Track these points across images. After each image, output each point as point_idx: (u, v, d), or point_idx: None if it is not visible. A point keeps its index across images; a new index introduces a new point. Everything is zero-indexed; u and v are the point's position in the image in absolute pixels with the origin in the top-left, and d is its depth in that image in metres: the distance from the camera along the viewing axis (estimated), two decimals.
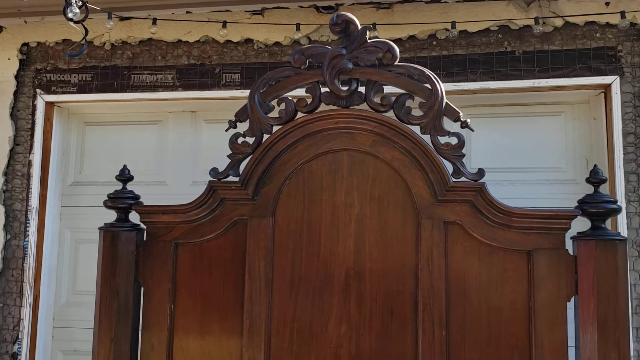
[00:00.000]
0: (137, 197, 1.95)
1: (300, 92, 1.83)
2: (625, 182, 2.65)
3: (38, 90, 3.08)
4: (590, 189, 1.70)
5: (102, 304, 1.87)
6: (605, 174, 2.66)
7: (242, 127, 1.83)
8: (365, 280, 1.76)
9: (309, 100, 1.83)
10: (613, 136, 2.69)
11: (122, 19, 2.93)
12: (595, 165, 1.75)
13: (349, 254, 1.78)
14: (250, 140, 1.84)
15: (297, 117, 1.83)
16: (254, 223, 1.81)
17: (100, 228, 1.93)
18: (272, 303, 1.79)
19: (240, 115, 1.86)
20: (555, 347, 1.62)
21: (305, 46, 1.83)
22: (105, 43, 3.03)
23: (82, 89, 3.07)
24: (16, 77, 3.09)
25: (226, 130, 1.88)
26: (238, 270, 1.83)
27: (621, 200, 2.63)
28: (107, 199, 1.96)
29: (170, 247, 1.86)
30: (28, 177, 3.06)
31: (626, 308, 1.61)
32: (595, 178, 1.69)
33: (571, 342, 1.64)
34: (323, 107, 1.80)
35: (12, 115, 3.09)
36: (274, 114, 1.84)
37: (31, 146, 3.08)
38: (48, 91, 3.09)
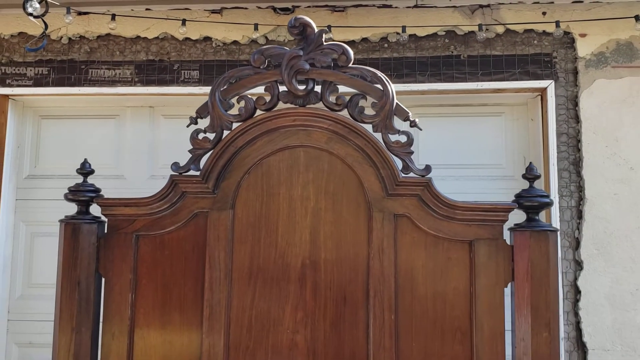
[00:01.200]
0: (98, 190, 1.95)
1: (260, 90, 1.87)
2: (559, 178, 2.80)
3: None
4: (526, 185, 1.81)
5: (63, 295, 1.86)
6: (540, 170, 2.81)
7: (203, 123, 1.87)
8: (320, 269, 1.82)
9: (268, 99, 1.87)
10: (548, 136, 2.84)
11: (79, 13, 2.89)
12: (530, 163, 1.86)
13: (305, 244, 1.83)
14: (211, 136, 1.87)
15: (256, 114, 1.87)
16: (214, 215, 1.85)
17: (60, 220, 1.92)
18: (231, 292, 1.83)
19: (201, 112, 1.88)
20: (493, 328, 1.72)
21: (264, 47, 1.87)
22: (62, 37, 2.98)
23: (39, 82, 3.01)
24: None
25: (187, 126, 1.90)
26: (198, 261, 1.86)
27: (554, 195, 2.79)
28: (67, 192, 1.95)
29: (131, 239, 1.88)
30: None
31: (556, 292, 1.73)
32: (530, 174, 1.79)
33: (507, 326, 1.74)
34: (281, 105, 1.85)
35: None
36: (234, 111, 1.87)
37: None
38: (3, 84, 3.02)
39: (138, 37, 2.97)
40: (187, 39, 2.91)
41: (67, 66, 3.01)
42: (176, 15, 2.82)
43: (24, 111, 3.19)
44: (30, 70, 3.03)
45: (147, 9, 2.83)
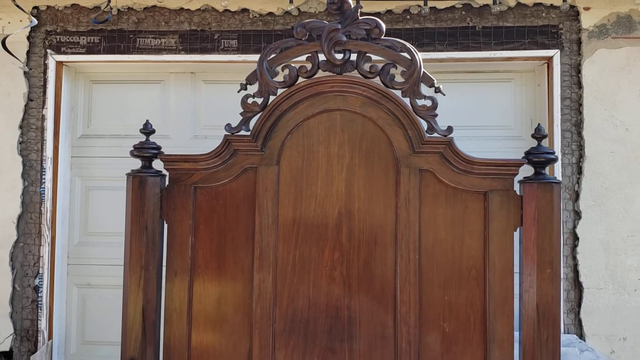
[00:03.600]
0: (159, 148, 2.07)
1: (301, 59, 1.98)
2: (562, 138, 2.91)
3: (49, 51, 3.13)
4: (533, 144, 1.94)
5: (132, 238, 2.01)
6: (545, 131, 2.96)
7: (251, 89, 2.00)
8: (354, 217, 1.96)
9: (309, 67, 1.98)
10: (553, 100, 2.94)
11: None
12: (539, 124, 1.98)
13: (340, 195, 1.97)
14: (259, 100, 1.99)
15: (298, 81, 1.98)
16: (262, 170, 1.99)
17: (128, 174, 2.05)
18: (278, 235, 1.98)
19: (251, 79, 2.01)
20: (504, 266, 1.89)
21: (306, 21, 1.98)
22: (112, 8, 3.08)
23: (91, 50, 3.13)
24: (28, 38, 3.14)
25: (238, 92, 2.04)
26: (248, 210, 2.00)
27: (558, 153, 2.90)
28: (133, 149, 2.07)
29: (190, 190, 2.02)
30: (42, 130, 3.14)
31: (559, 235, 1.89)
32: (538, 134, 1.92)
33: (515, 268, 1.89)
34: (320, 73, 1.97)
35: (25, 74, 3.13)
36: (279, 78, 1.98)
37: (44, 102, 3.15)
38: (58, 51, 3.14)
39: (182, 8, 3.07)
40: (226, 10, 3.00)
41: (116, 35, 3.11)
42: None
43: (76, 76, 3.31)
44: (83, 39, 3.14)
45: None
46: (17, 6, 1.98)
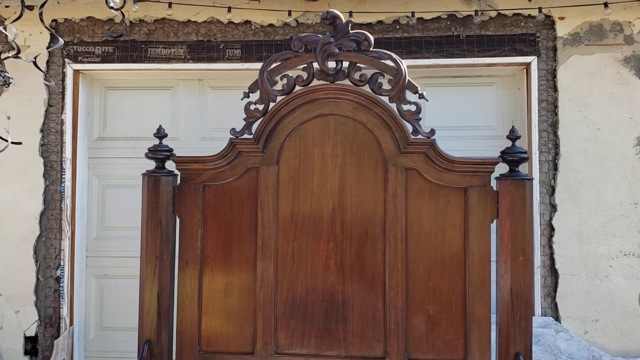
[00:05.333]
0: (171, 150, 2.18)
1: (298, 70, 2.08)
2: (539, 137, 3.01)
3: (66, 60, 3.24)
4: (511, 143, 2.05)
5: (148, 231, 2.12)
6: (524, 131, 3.05)
7: (253, 97, 2.10)
8: (346, 211, 2.07)
9: (305, 76, 2.08)
10: (531, 102, 3.03)
11: (138, 0, 3.10)
12: (513, 126, 2.07)
13: (334, 191, 2.08)
14: (260, 107, 2.10)
15: (295, 89, 2.08)
16: (264, 169, 2.10)
17: (143, 174, 2.15)
18: (278, 228, 2.09)
19: (253, 88, 2.11)
20: (482, 254, 2.00)
21: (302, 35, 2.08)
22: (126, 24, 3.18)
23: (105, 59, 3.24)
24: (47, 48, 3.26)
25: (241, 99, 2.13)
26: (251, 205, 2.11)
27: (535, 151, 3.00)
28: (147, 151, 2.17)
29: (199, 188, 2.13)
30: (61, 133, 3.25)
31: (531, 226, 1.98)
32: (512, 136, 2.02)
33: (492, 257, 1.99)
34: (315, 82, 2.06)
35: (46, 81, 3.24)
36: (278, 87, 2.09)
37: (62, 107, 3.25)
38: (75, 61, 3.24)
39: (189, 20, 3.16)
40: (230, 22, 3.10)
41: (129, 45, 3.22)
42: (221, 2, 3.03)
43: (92, 84, 3.41)
44: (98, 49, 3.25)
45: None
46: (46, 27, 2.08)
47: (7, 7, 3.26)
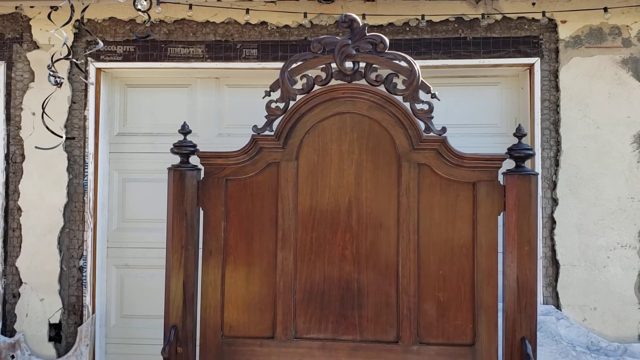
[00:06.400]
0: (194, 146, 2.24)
1: (317, 70, 2.15)
2: (542, 135, 3.07)
3: (89, 59, 3.31)
4: (516, 140, 2.11)
5: (174, 222, 2.19)
6: (527, 129, 3.11)
7: (274, 95, 2.16)
8: (362, 204, 2.14)
9: (324, 76, 2.15)
10: (534, 101, 3.08)
11: (158, 2, 3.14)
12: (519, 124, 2.15)
13: (350, 186, 2.15)
14: (281, 105, 2.16)
15: (314, 88, 2.14)
16: (284, 165, 2.17)
17: (169, 168, 2.22)
18: (297, 219, 2.16)
19: (274, 87, 2.17)
20: (489, 245, 2.08)
21: (320, 37, 2.14)
22: (145, 21, 3.23)
23: (127, 58, 3.28)
24: (71, 47, 3.30)
25: (262, 98, 2.18)
26: (272, 198, 2.18)
27: (538, 148, 3.06)
28: (173, 146, 2.24)
29: (222, 182, 2.20)
30: (84, 129, 3.29)
31: (536, 218, 2.06)
32: (518, 133, 2.09)
33: (499, 249, 2.06)
34: (333, 81, 2.13)
35: (69, 79, 3.29)
36: (298, 86, 2.15)
37: (85, 104, 3.29)
38: (97, 59, 3.28)
39: (208, 21, 3.20)
40: (247, 23, 3.14)
41: (149, 45, 3.26)
42: (239, 4, 3.08)
43: (112, 81, 3.46)
44: (120, 48, 3.29)
45: (217, 0, 3.06)
46: (88, 30, 2.13)
47: (32, 7, 3.32)
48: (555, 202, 3.08)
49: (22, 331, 3.29)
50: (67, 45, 1.88)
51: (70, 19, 1.96)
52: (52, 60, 1.95)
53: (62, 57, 1.90)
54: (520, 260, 2.06)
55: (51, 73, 2.04)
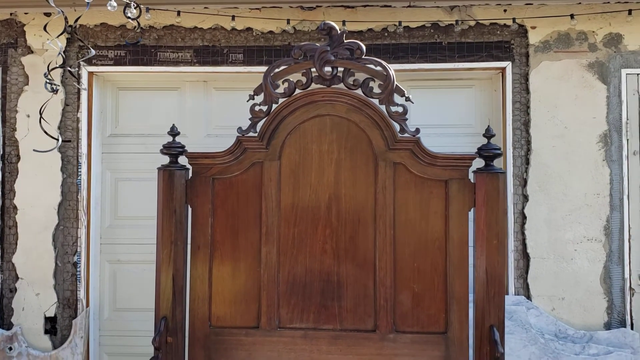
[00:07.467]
0: (183, 147, 2.27)
1: (298, 75, 2.18)
2: (513, 134, 3.14)
3: (82, 63, 3.34)
4: (487, 140, 2.16)
5: (163, 219, 2.22)
6: (500, 129, 3.18)
7: (257, 99, 2.20)
8: (341, 201, 2.19)
9: (304, 81, 2.19)
10: (506, 103, 3.15)
11: (147, 9, 3.14)
12: (488, 126, 2.20)
13: (330, 184, 2.20)
14: (264, 108, 2.20)
15: (295, 92, 2.19)
16: (267, 164, 2.21)
17: (158, 168, 2.24)
18: (280, 216, 2.20)
19: (257, 91, 2.21)
20: (461, 239, 2.13)
21: (301, 44, 2.19)
22: (135, 27, 3.26)
23: (118, 62, 3.31)
24: (64, 52, 3.32)
25: (247, 101, 2.22)
26: (256, 196, 2.22)
27: (509, 147, 3.13)
28: (162, 147, 2.26)
29: (209, 181, 2.23)
30: (77, 130, 3.31)
31: (504, 214, 2.11)
32: (487, 134, 2.14)
33: (469, 242, 2.11)
34: (313, 86, 2.17)
35: (62, 82, 3.31)
36: (280, 90, 2.19)
37: (78, 106, 3.32)
38: (89, 63, 3.30)
39: (195, 27, 3.24)
40: (233, 29, 3.18)
41: (140, 50, 3.29)
42: (225, 11, 3.12)
43: (104, 84, 3.48)
44: (111, 52, 3.32)
45: (205, 7, 3.11)
46: (80, 40, 2.16)
47: (26, 13, 3.35)
48: (525, 198, 3.15)
49: (19, 324, 3.33)
50: (62, 55, 1.92)
51: (65, 30, 2.00)
52: (48, 69, 1.99)
53: (57, 65, 1.95)
54: (489, 253, 2.11)
55: (47, 81, 2.08)
